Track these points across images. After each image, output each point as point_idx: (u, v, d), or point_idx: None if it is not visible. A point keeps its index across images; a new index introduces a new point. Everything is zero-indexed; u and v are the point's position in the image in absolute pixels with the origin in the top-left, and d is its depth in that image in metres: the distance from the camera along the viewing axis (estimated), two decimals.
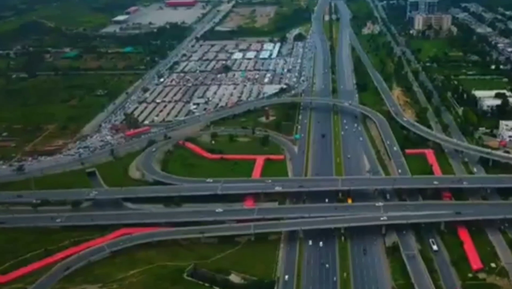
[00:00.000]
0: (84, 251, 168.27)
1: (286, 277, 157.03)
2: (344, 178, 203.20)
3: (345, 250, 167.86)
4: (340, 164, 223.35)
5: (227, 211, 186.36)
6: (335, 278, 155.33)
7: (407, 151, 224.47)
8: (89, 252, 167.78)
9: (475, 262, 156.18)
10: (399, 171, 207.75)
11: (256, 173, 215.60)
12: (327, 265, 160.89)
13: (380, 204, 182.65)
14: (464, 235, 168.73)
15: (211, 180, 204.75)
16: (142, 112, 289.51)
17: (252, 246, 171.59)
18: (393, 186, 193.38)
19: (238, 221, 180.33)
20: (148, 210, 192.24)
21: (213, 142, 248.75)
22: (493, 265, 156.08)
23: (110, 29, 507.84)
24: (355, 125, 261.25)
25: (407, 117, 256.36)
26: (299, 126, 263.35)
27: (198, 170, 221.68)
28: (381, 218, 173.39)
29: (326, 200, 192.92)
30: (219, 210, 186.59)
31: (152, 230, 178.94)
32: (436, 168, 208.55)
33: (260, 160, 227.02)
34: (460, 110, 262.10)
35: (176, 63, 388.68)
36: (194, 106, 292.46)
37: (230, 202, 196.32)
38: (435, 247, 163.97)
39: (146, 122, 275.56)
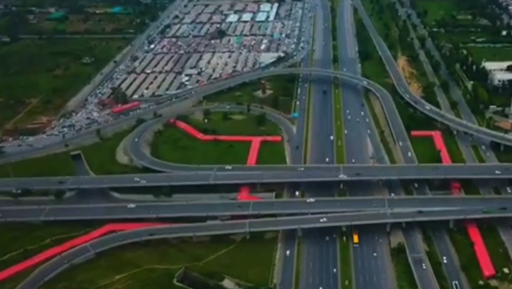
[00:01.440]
0: (67, 252, 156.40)
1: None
2: (346, 166, 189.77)
3: (347, 250, 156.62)
4: (342, 147, 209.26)
5: (221, 205, 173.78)
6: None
7: (413, 132, 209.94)
8: (72, 254, 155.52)
9: (487, 268, 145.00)
10: (405, 156, 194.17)
11: (252, 157, 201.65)
12: (334, 270, 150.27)
13: (385, 197, 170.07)
14: (474, 234, 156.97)
15: (203, 168, 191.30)
16: (130, 85, 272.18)
17: (248, 245, 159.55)
18: (398, 177, 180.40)
19: (233, 217, 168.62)
20: (135, 203, 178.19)
21: (206, 120, 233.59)
22: (506, 270, 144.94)
23: None
24: (358, 103, 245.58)
25: (413, 92, 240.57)
26: (297, 102, 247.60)
27: (190, 153, 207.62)
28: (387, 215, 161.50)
29: (326, 191, 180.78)
30: (213, 201, 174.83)
31: (140, 226, 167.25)
32: (444, 153, 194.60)
33: (256, 141, 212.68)
34: (469, 85, 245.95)
35: (168, 26, 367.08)
36: (186, 78, 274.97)
37: (224, 192, 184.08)
38: (444, 260, 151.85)
39: (135, 96, 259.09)
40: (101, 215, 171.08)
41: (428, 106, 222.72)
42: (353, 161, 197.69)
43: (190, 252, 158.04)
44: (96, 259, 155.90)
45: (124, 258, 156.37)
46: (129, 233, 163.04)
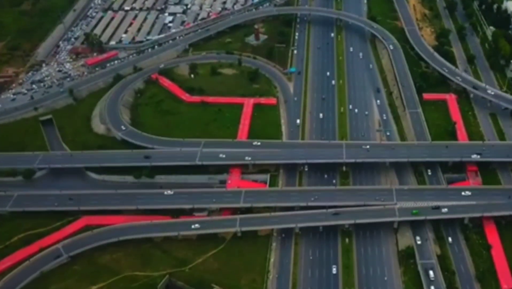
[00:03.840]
0: (37, 256, 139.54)
1: None
2: (349, 143, 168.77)
3: (350, 253, 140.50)
4: (344, 114, 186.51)
5: (209, 194, 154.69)
6: None
7: (425, 95, 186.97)
8: (43, 258, 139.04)
9: (505, 279, 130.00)
10: (415, 129, 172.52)
11: (243, 127, 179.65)
12: (334, 270, 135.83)
13: (393, 187, 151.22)
14: (491, 233, 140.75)
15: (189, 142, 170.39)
16: (107, 27, 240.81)
17: (239, 244, 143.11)
18: (408, 159, 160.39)
19: (221, 210, 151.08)
20: (117, 190, 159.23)
21: (192, 76, 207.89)
22: None
23: None
24: (362, 54, 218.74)
25: (425, 41, 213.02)
26: (295, 51, 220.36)
27: (175, 120, 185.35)
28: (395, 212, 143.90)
29: (326, 175, 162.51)
30: (199, 190, 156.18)
31: (119, 220, 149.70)
32: (460, 125, 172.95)
33: (248, 104, 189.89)
34: (489, 32, 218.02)
35: None
36: (170, 19, 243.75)
37: (212, 173, 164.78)
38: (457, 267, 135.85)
39: (112, 43, 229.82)
40: (76, 206, 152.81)
41: (444, 69, 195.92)
42: (362, 134, 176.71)
43: (174, 254, 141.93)
44: (70, 264, 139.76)
45: (101, 262, 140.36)
46: (106, 231, 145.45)
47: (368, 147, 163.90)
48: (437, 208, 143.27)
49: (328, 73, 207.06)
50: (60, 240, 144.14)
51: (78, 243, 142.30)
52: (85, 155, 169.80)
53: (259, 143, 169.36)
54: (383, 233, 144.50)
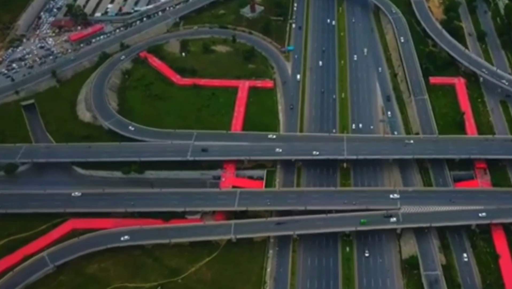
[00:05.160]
0: (20, 266, 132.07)
1: None
2: (351, 136, 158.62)
3: (350, 261, 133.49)
4: (346, 99, 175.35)
5: (202, 195, 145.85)
6: None
7: (432, 79, 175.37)
8: (28, 268, 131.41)
9: None
10: (421, 119, 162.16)
11: (238, 115, 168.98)
12: None
13: (396, 196, 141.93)
14: (500, 240, 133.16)
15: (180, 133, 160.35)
16: None
17: (233, 251, 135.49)
18: (413, 156, 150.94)
19: (215, 212, 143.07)
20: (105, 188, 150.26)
21: (183, 54, 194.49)
22: None
23: None
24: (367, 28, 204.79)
25: (433, 14, 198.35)
26: (293, 25, 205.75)
27: (165, 106, 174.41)
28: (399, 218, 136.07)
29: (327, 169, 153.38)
30: (192, 190, 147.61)
31: (107, 224, 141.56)
32: (468, 116, 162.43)
33: (243, 88, 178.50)
34: (501, 3, 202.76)
35: None
36: None
37: (205, 168, 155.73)
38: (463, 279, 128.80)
39: (98, 15, 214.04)
40: (62, 208, 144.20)
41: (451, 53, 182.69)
42: (360, 125, 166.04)
43: (166, 262, 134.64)
44: (56, 274, 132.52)
45: (89, 272, 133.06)
46: (94, 237, 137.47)
47: (412, 141, 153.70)
48: (389, 216, 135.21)
49: (323, 48, 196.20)
50: (46, 247, 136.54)
51: (65, 251, 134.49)
52: (71, 148, 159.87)
53: (274, 136, 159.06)
54: (386, 239, 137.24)
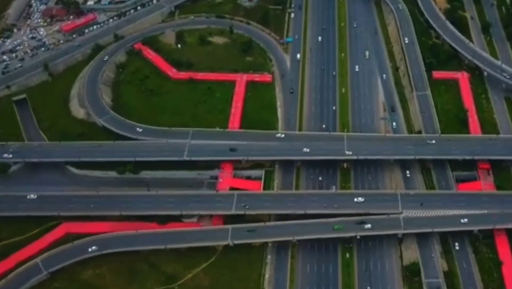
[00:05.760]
0: (14, 273, 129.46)
1: None
2: (351, 135, 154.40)
3: (350, 268, 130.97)
4: (346, 94, 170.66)
5: (198, 198, 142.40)
6: None
7: (435, 73, 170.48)
8: (22, 275, 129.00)
9: None
10: (424, 117, 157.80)
11: (236, 111, 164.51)
12: None
13: (398, 192, 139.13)
14: (503, 246, 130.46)
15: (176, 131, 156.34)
16: None
17: (231, 256, 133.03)
18: (415, 156, 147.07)
19: (212, 215, 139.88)
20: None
21: (179, 46, 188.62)
22: None
23: None
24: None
25: (436, 4, 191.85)
26: (292, 14, 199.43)
27: (161, 101, 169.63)
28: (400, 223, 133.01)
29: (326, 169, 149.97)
30: (188, 192, 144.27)
31: (101, 227, 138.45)
32: (472, 113, 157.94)
33: (241, 82, 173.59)
34: None
35: None
36: None
37: (201, 168, 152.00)
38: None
39: (90, 3, 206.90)
40: (55, 211, 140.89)
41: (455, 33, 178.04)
42: (360, 126, 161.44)
43: (163, 268, 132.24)
44: (50, 280, 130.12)
45: (84, 278, 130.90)
46: (89, 242, 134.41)
47: (434, 141, 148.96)
48: (363, 222, 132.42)
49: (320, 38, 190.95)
50: (39, 252, 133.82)
51: (59, 257, 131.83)
52: (64, 147, 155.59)
53: (282, 135, 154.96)
54: (386, 244, 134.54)
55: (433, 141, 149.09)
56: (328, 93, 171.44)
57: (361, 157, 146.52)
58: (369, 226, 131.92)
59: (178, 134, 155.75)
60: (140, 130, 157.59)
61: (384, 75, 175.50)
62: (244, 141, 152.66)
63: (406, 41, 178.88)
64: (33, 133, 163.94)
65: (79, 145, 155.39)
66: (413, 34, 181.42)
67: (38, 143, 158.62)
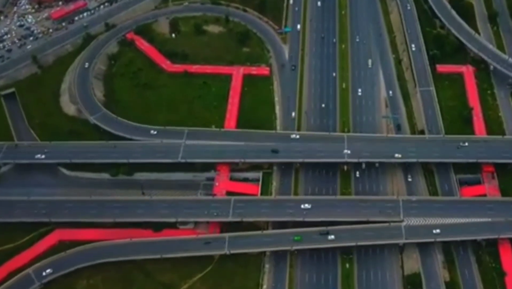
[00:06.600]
0: (6, 284, 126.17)
1: None
2: (352, 136, 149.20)
3: (350, 278, 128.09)
4: (347, 90, 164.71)
5: (194, 204, 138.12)
6: None
7: (439, 67, 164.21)
8: (13, 287, 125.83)
9: None
10: (427, 115, 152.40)
11: (232, 106, 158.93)
12: None
13: (400, 198, 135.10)
14: (506, 256, 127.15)
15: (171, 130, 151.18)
16: None
17: (227, 265, 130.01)
18: (417, 160, 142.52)
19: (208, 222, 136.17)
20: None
21: (173, 35, 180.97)
22: None
23: None
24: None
25: None
26: (290, 1, 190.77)
27: (154, 96, 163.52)
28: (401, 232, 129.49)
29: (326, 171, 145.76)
30: (183, 197, 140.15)
31: (94, 234, 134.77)
32: (477, 110, 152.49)
33: (237, 76, 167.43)
34: None
35: None
36: None
37: (197, 170, 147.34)
38: None
39: None
40: (47, 217, 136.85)
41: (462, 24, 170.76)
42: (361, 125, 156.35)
43: (158, 278, 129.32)
44: None
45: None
46: (82, 252, 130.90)
47: (466, 144, 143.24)
48: (325, 233, 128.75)
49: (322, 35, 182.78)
50: (31, 261, 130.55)
51: (51, 267, 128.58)
52: (56, 147, 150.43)
53: (297, 136, 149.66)
54: (388, 253, 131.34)
55: (466, 143, 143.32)
56: (328, 90, 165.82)
57: (361, 160, 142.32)
58: (332, 237, 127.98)
59: (173, 134, 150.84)
60: (155, 132, 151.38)
61: (385, 71, 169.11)
62: (251, 142, 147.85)
63: (409, 33, 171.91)
64: (23, 131, 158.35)
65: (79, 145, 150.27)
66: (417, 25, 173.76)
67: (28, 143, 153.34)
